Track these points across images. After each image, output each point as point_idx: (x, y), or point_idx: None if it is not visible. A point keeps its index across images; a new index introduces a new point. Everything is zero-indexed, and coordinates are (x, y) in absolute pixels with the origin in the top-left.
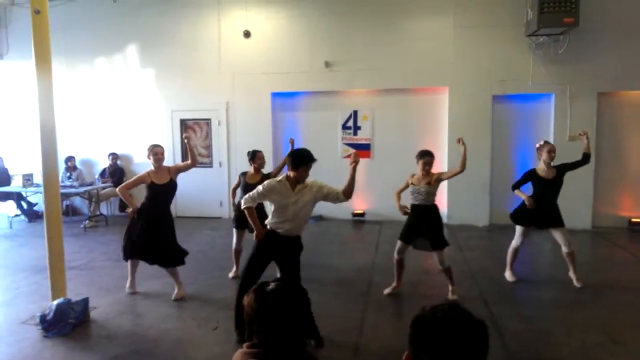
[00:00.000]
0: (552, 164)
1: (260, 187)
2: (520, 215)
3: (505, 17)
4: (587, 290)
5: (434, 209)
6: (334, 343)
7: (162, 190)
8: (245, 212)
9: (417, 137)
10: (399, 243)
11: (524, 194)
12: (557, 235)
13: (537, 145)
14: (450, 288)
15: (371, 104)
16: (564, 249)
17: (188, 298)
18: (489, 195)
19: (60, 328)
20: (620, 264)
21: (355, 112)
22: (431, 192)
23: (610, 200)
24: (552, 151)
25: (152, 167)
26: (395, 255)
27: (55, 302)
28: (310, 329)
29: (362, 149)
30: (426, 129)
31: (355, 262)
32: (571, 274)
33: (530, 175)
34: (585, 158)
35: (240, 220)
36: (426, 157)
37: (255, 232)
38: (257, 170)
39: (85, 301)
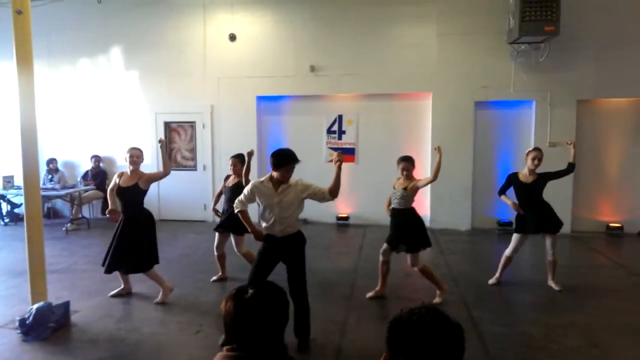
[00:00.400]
0: (536, 171)
1: (245, 190)
2: (520, 224)
3: (488, 25)
4: (566, 294)
5: (410, 212)
6: (317, 346)
7: (122, 192)
8: (239, 216)
9: (401, 141)
10: (384, 245)
11: (509, 199)
12: (548, 240)
13: (527, 151)
14: (438, 292)
15: (356, 109)
16: (549, 257)
17: (171, 302)
18: (471, 200)
19: (40, 332)
20: (599, 268)
21: (340, 117)
22: (406, 197)
23: (588, 205)
24: (536, 158)
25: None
26: (380, 257)
27: (35, 306)
28: (304, 331)
29: (347, 154)
30: (410, 134)
31: (338, 265)
32: (550, 282)
33: (511, 179)
34: (570, 168)
35: (225, 224)
36: (404, 162)
37: (253, 235)
38: (236, 175)
39: (66, 305)
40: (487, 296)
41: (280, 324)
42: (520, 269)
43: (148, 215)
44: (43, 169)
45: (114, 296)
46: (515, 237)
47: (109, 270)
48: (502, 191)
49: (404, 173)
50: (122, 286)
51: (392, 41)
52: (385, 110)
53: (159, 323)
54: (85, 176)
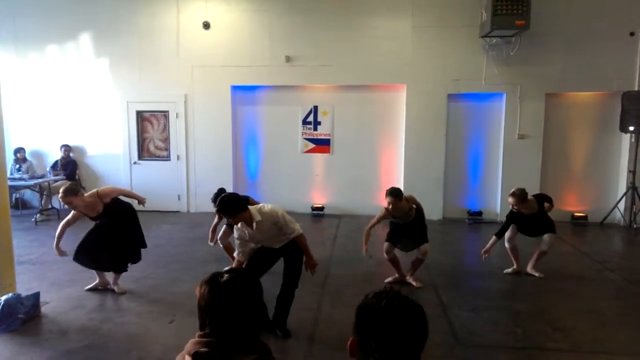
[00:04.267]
0: (531, 201)
1: (236, 240)
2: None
3: (461, 18)
4: (531, 281)
5: (419, 217)
6: (291, 332)
7: (99, 218)
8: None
9: (375, 133)
10: (385, 244)
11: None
12: (547, 237)
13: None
14: (412, 277)
15: (331, 100)
16: (544, 248)
17: (144, 292)
18: (442, 191)
19: (9, 324)
20: (563, 256)
21: (316, 108)
22: (411, 214)
23: (555, 195)
24: (513, 205)
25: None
26: (385, 256)
27: (4, 298)
28: (281, 319)
29: (322, 144)
30: (384, 126)
31: (313, 254)
32: (531, 269)
33: (513, 216)
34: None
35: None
36: (391, 197)
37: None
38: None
39: (36, 296)
40: (456, 283)
41: (254, 310)
42: (488, 257)
43: (128, 209)
44: (10, 158)
45: (90, 290)
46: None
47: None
48: (501, 232)
49: (390, 207)
50: (98, 280)
51: (368, 33)
52: (360, 102)
53: (131, 313)
54: (54, 166)
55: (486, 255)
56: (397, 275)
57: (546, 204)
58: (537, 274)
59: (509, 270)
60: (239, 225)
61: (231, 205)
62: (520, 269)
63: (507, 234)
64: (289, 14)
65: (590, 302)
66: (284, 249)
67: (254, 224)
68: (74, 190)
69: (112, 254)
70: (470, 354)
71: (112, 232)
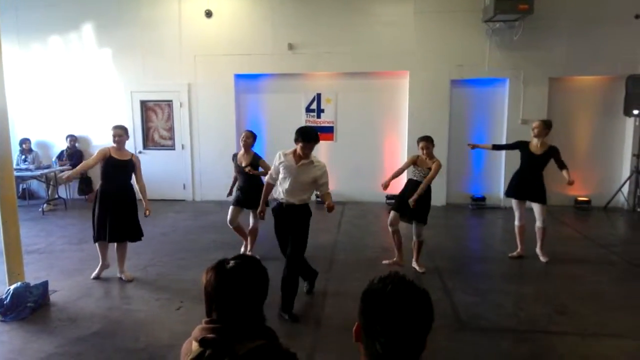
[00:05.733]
0: (546, 142)
1: (274, 161)
2: (509, 188)
3: (464, 3)
4: (535, 265)
5: (429, 188)
6: (298, 317)
7: (120, 164)
8: (265, 186)
9: (379, 120)
10: (392, 214)
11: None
12: (536, 209)
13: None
14: (416, 262)
15: (334, 87)
16: (538, 224)
17: (151, 280)
18: (445, 176)
19: (18, 312)
20: (566, 240)
21: (319, 95)
22: (427, 174)
23: (559, 180)
24: (534, 128)
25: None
26: (390, 229)
27: (12, 287)
28: (287, 305)
29: (326, 132)
30: (387, 112)
31: (318, 240)
32: (538, 250)
33: (521, 145)
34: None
35: (238, 199)
36: (424, 141)
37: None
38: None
39: (44, 284)
40: (460, 268)
41: (260, 296)
42: (491, 242)
43: (133, 190)
44: (16, 149)
45: (96, 278)
46: (513, 205)
47: (96, 240)
48: (500, 148)
49: (424, 151)
50: (101, 263)
51: (370, 19)
52: (364, 89)
53: (139, 301)
54: (60, 156)
55: (470, 146)
56: (396, 258)
57: (565, 172)
58: (542, 258)
59: (514, 254)
60: (288, 152)
61: (316, 134)
62: (525, 253)
63: (518, 213)
64: (291, 1)
65: (594, 286)
66: (288, 221)
67: (305, 162)
68: (127, 130)
69: (122, 222)
70: (473, 337)
71: (116, 206)
